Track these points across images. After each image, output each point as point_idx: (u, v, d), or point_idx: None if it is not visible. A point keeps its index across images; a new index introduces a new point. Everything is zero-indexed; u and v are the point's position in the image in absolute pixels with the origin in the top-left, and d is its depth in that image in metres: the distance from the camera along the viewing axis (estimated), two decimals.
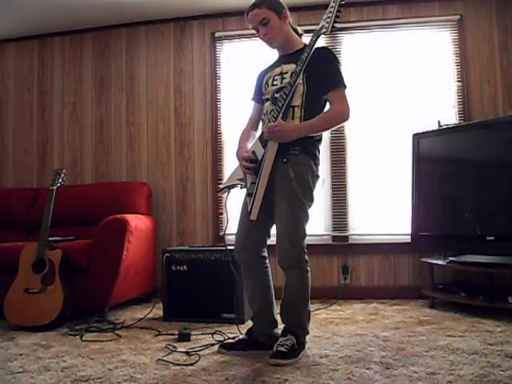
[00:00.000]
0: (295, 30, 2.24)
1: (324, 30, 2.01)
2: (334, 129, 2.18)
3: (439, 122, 3.36)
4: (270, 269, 2.23)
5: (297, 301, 2.07)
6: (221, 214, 3.78)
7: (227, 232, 2.36)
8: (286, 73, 2.12)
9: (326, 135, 3.71)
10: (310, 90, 2.07)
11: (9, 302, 2.68)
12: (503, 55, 3.54)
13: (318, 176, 2.16)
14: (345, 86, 2.11)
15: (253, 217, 2.04)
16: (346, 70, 3.72)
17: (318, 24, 3.67)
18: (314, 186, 2.13)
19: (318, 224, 3.69)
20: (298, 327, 2.07)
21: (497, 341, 2.21)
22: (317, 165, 2.15)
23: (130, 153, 3.97)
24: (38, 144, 4.12)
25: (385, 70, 3.70)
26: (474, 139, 3.04)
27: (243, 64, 3.84)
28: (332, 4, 2.00)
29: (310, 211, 2.11)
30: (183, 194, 3.87)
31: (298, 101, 2.08)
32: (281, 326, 2.12)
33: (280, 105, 2.04)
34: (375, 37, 3.74)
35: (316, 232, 3.67)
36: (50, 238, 2.86)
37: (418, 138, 3.36)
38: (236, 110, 3.77)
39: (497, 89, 3.53)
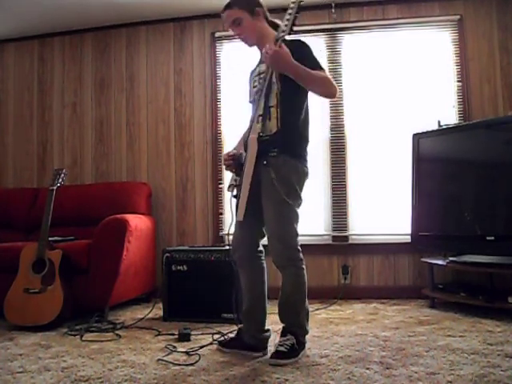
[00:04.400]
0: (274, 24, 2.17)
1: (282, 34, 1.96)
2: (319, 93, 2.04)
3: (439, 122, 3.35)
4: (265, 270, 2.21)
5: (293, 300, 2.07)
6: (221, 213, 3.78)
7: (230, 232, 2.32)
8: (263, 73, 2.11)
9: (325, 135, 3.73)
10: (285, 88, 2.02)
11: (9, 301, 2.68)
12: (503, 55, 3.54)
13: (306, 174, 2.11)
14: (322, 68, 2.03)
15: (239, 217, 2.05)
16: (346, 70, 3.74)
17: (318, 24, 3.74)
18: (301, 185, 2.09)
19: (318, 224, 3.70)
20: (296, 326, 2.07)
21: (497, 341, 2.21)
22: (303, 163, 2.10)
23: (130, 153, 3.97)
24: (38, 144, 4.12)
25: (385, 70, 3.70)
26: (474, 139, 3.04)
27: (243, 64, 3.83)
28: (292, 5, 1.96)
29: (301, 210, 2.09)
30: (183, 194, 3.87)
31: (273, 101, 2.05)
32: (280, 327, 2.12)
33: (261, 107, 2.05)
34: (375, 37, 3.74)
35: (316, 232, 3.68)
36: (50, 238, 2.86)
37: (418, 138, 3.35)
38: (236, 110, 3.77)
39: (497, 89, 3.53)
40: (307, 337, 2.13)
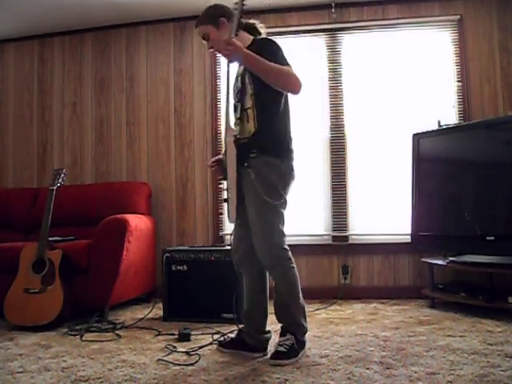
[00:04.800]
0: (248, 25, 2.18)
1: (231, 36, 2.00)
2: (279, 86, 2.02)
3: (439, 122, 3.35)
4: (266, 271, 2.19)
5: (286, 300, 2.07)
6: (221, 214, 3.78)
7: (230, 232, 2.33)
8: (239, 75, 2.17)
9: (325, 135, 3.73)
10: (259, 89, 2.04)
11: (9, 301, 2.68)
12: (503, 55, 3.54)
13: (289, 173, 2.09)
14: (289, 65, 2.02)
15: (231, 220, 2.08)
16: (346, 70, 3.74)
17: (318, 24, 3.73)
18: (283, 185, 2.07)
19: (318, 224, 3.70)
20: (293, 325, 2.07)
21: (497, 341, 2.21)
22: (286, 162, 2.07)
23: (130, 153, 3.97)
24: (38, 144, 4.12)
25: (385, 70, 3.70)
26: (474, 139, 3.04)
27: None
28: (235, 6, 2.00)
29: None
30: (183, 194, 3.87)
31: (249, 103, 2.07)
32: (279, 326, 2.12)
33: (238, 110, 2.09)
34: (375, 37, 3.74)
35: (316, 232, 3.68)
36: (50, 238, 2.86)
37: (418, 138, 3.35)
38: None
39: (497, 89, 3.53)
40: (307, 336, 2.13)
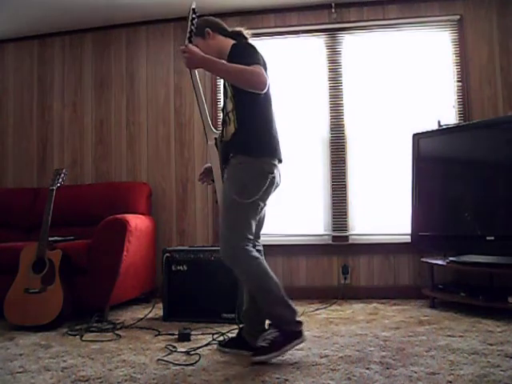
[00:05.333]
0: (234, 32, 2.22)
1: (186, 43, 2.08)
2: (242, 85, 2.01)
3: (439, 122, 3.36)
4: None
5: (257, 296, 2.07)
6: None
7: None
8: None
9: (325, 135, 3.73)
10: (237, 91, 2.06)
11: (9, 301, 2.68)
12: (503, 55, 3.54)
13: (264, 173, 2.05)
14: (258, 64, 2.00)
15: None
16: (346, 70, 3.74)
17: (318, 24, 3.73)
18: (257, 185, 2.04)
19: (318, 224, 3.70)
20: (275, 319, 2.05)
21: (497, 341, 2.21)
22: (263, 162, 2.05)
23: (130, 153, 3.97)
24: (37, 144, 4.12)
25: (385, 69, 3.70)
26: (474, 139, 3.04)
27: None
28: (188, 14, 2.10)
29: (259, 211, 2.09)
30: (183, 194, 3.87)
31: (230, 106, 2.11)
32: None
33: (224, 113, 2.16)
34: (375, 37, 3.74)
35: (316, 232, 3.68)
36: (50, 238, 2.86)
37: (417, 138, 3.35)
38: None
39: (497, 89, 3.53)
40: (307, 336, 2.13)
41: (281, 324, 2.02)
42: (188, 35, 2.07)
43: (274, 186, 2.12)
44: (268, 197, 2.12)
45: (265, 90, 1.99)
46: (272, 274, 2.05)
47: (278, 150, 2.13)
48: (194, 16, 2.09)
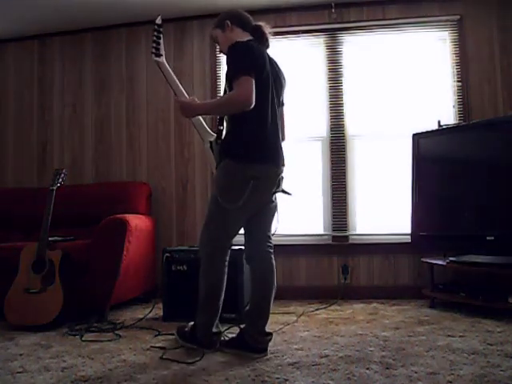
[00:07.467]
0: (256, 27, 2.22)
1: (155, 59, 2.30)
2: (229, 114, 2.11)
3: (439, 122, 3.36)
4: (273, 273, 2.18)
5: (200, 293, 2.22)
6: None
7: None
8: None
9: (325, 135, 3.73)
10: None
11: (9, 301, 2.68)
12: (503, 55, 3.54)
13: (244, 176, 2.03)
14: (243, 73, 1.97)
15: None
16: (346, 70, 3.74)
17: (318, 24, 3.73)
18: (238, 186, 2.04)
19: (318, 224, 3.70)
20: (196, 317, 2.22)
21: (497, 341, 2.21)
22: (244, 164, 2.04)
23: (130, 153, 3.97)
24: (38, 144, 4.12)
25: (385, 69, 3.70)
26: (474, 139, 3.04)
27: None
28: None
29: (243, 215, 2.12)
30: (183, 194, 3.86)
31: None
32: (280, 327, 2.12)
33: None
34: (375, 37, 3.74)
35: (316, 232, 3.68)
36: (50, 238, 2.86)
37: (417, 138, 3.35)
38: None
39: (497, 89, 3.53)
40: (307, 336, 2.12)
41: (197, 327, 2.21)
42: (152, 50, 2.24)
43: (269, 189, 2.13)
44: (260, 199, 2.12)
45: (252, 104, 1.95)
46: (223, 287, 2.20)
47: (270, 153, 2.09)
48: (160, 29, 2.26)
